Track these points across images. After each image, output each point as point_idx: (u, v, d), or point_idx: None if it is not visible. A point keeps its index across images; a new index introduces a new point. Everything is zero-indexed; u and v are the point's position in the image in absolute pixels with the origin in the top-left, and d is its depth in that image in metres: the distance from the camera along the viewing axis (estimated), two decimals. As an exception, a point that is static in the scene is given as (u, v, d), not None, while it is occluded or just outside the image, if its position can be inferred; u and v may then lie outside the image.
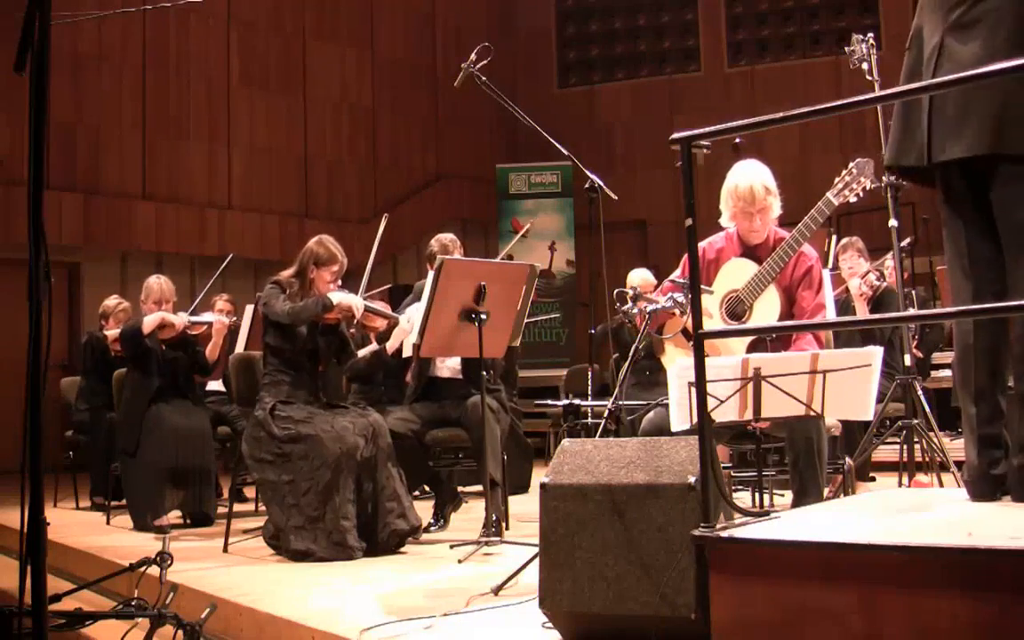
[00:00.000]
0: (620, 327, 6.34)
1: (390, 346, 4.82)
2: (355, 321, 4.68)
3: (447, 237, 5.41)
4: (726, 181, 3.90)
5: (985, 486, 2.67)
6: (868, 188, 3.90)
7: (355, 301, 4.67)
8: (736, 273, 3.87)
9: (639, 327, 3.95)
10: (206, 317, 6.14)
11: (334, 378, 6.31)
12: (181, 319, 5.89)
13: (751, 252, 3.90)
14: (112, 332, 6.74)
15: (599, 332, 5.82)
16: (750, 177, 3.84)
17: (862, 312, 6.14)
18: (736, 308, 3.85)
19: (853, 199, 3.90)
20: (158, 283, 6.10)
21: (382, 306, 5.13)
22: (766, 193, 3.82)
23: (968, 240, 2.73)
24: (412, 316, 4.88)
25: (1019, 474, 2.59)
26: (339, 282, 4.76)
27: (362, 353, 5.21)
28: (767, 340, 3.78)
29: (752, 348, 3.72)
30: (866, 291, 6.20)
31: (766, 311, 3.80)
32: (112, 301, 7.11)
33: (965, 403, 2.73)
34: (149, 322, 5.85)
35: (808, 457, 3.50)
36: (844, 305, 6.18)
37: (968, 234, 2.74)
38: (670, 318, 3.95)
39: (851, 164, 3.90)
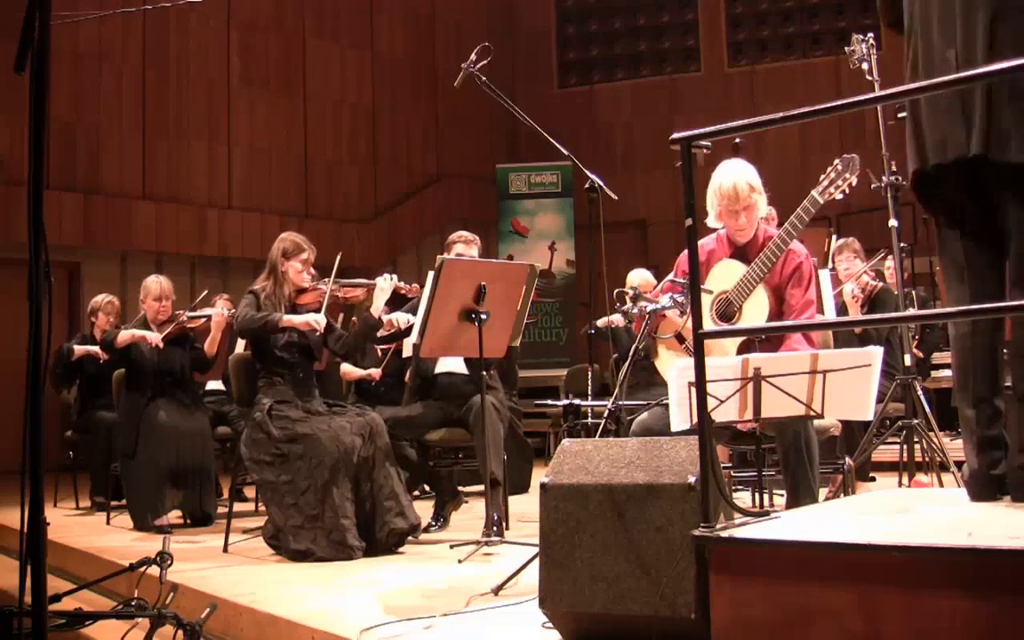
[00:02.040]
0: (617, 329, 6.34)
1: (374, 309, 4.84)
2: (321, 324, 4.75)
3: (469, 234, 5.45)
4: (711, 181, 3.91)
5: (985, 487, 2.67)
6: (854, 185, 3.89)
7: (313, 319, 4.70)
8: (725, 275, 3.87)
9: (637, 331, 3.94)
10: (205, 311, 6.15)
11: (332, 378, 6.32)
12: (156, 336, 5.88)
13: (741, 252, 3.90)
14: (82, 348, 6.76)
15: (597, 333, 5.82)
16: (733, 175, 3.84)
17: (856, 316, 6.13)
18: (726, 310, 3.85)
19: (839, 196, 3.88)
20: (157, 282, 6.12)
21: (358, 280, 5.18)
22: (750, 191, 3.82)
23: (965, 246, 2.73)
24: (389, 278, 4.94)
25: (1019, 475, 2.59)
26: (312, 271, 4.90)
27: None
28: (756, 341, 3.77)
29: (743, 348, 3.72)
30: (859, 294, 6.20)
31: (755, 312, 3.80)
32: (100, 298, 7.13)
33: (963, 406, 2.73)
34: (123, 338, 5.91)
35: (797, 453, 3.50)
36: (843, 307, 6.18)
37: (965, 239, 2.73)
38: (662, 320, 3.95)
39: (836, 161, 3.89)
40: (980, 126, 2.56)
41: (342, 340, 4.92)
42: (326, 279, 4.89)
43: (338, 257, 4.90)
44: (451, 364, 5.19)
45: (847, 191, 3.87)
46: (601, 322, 6.32)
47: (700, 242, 3.97)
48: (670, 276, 3.97)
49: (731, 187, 3.81)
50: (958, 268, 2.76)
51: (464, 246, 5.29)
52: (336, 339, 4.92)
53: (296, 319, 4.70)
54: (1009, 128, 2.53)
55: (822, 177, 3.89)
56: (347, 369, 6.20)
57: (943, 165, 2.67)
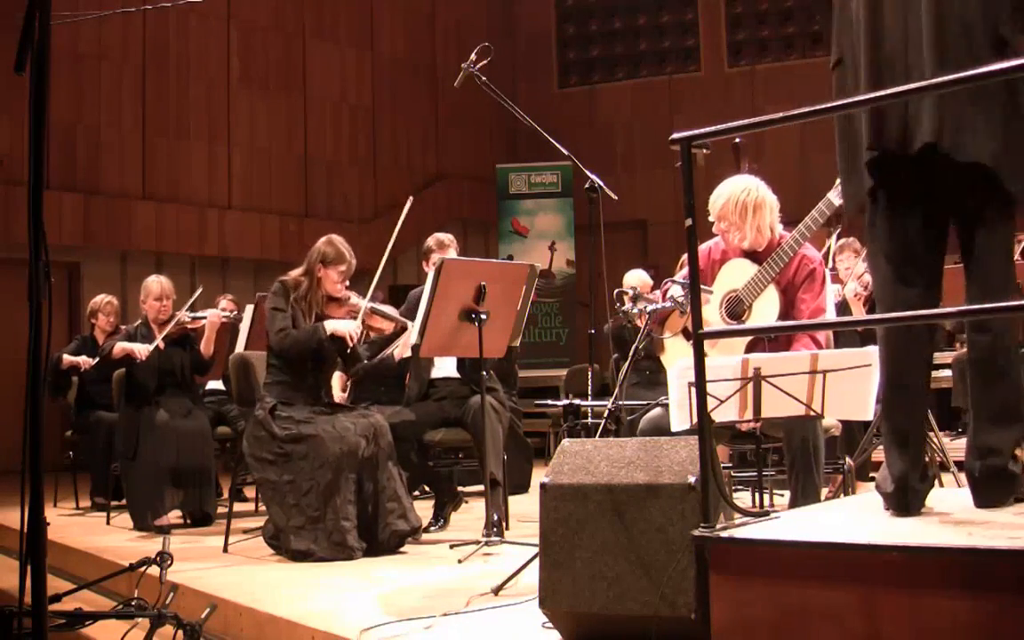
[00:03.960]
0: (621, 328, 6.33)
1: (398, 354, 4.82)
2: (358, 335, 4.67)
3: (444, 235, 5.46)
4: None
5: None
6: None
7: (349, 328, 4.62)
8: (736, 273, 3.87)
9: (638, 327, 3.96)
10: (205, 313, 6.16)
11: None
12: (146, 348, 5.87)
13: (753, 253, 3.91)
14: (71, 359, 6.76)
15: (605, 333, 5.81)
16: (722, 188, 3.89)
17: (859, 314, 6.13)
18: (735, 308, 3.85)
19: None
20: (157, 282, 6.13)
21: (390, 310, 5.04)
22: (718, 216, 3.87)
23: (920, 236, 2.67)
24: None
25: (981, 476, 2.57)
26: (347, 283, 4.75)
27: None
28: (765, 340, 3.78)
29: (750, 348, 3.73)
30: (861, 292, 6.19)
31: (765, 311, 3.80)
32: (100, 298, 7.13)
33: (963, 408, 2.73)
34: (117, 350, 5.92)
35: (804, 457, 3.50)
36: (843, 306, 6.17)
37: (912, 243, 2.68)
38: (669, 315, 3.96)
39: None
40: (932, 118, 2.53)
41: (357, 366, 4.90)
42: (359, 296, 4.79)
43: (407, 206, 4.79)
44: (446, 369, 5.19)
45: None
46: (607, 327, 6.33)
47: (716, 240, 4.00)
48: (678, 276, 3.98)
49: (712, 200, 3.90)
50: (897, 263, 2.68)
51: (439, 253, 5.27)
52: (352, 362, 4.88)
53: (340, 326, 4.59)
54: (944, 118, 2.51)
55: (838, 180, 3.88)
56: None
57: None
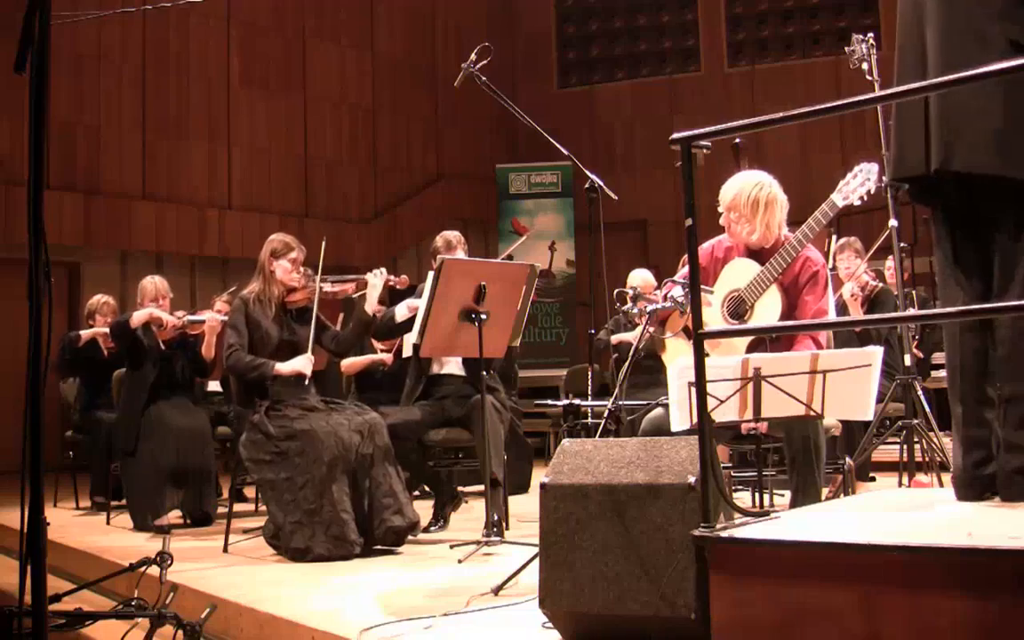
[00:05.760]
0: (597, 340, 6.34)
1: (368, 306, 4.88)
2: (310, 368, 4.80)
3: (452, 234, 5.39)
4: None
5: (969, 487, 2.68)
6: (872, 191, 3.89)
7: (300, 365, 4.73)
8: (739, 273, 3.87)
9: (613, 345, 3.96)
10: (203, 316, 6.16)
11: (332, 377, 6.32)
12: (172, 318, 5.88)
13: (756, 253, 3.90)
14: (89, 332, 6.74)
15: (600, 341, 5.81)
16: (731, 182, 3.89)
17: (857, 315, 6.13)
18: (738, 308, 3.85)
19: (857, 202, 3.89)
20: (152, 283, 6.13)
21: (342, 279, 5.14)
22: (727, 207, 3.87)
23: (958, 254, 2.74)
24: (379, 273, 4.97)
25: (1006, 474, 2.59)
26: (301, 270, 4.91)
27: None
28: (767, 340, 3.78)
29: (752, 348, 3.73)
30: (858, 293, 6.20)
31: (767, 311, 3.80)
32: (97, 299, 7.10)
33: (953, 404, 2.75)
34: (138, 316, 5.89)
35: (806, 456, 3.50)
36: (841, 308, 6.18)
37: (959, 247, 2.74)
38: (670, 315, 3.96)
39: (856, 167, 3.89)
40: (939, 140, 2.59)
41: (337, 338, 4.97)
42: (315, 277, 4.89)
43: (322, 248, 4.83)
44: (449, 366, 5.18)
45: (865, 198, 3.87)
46: (615, 339, 6.33)
47: (719, 238, 4.00)
48: (675, 276, 3.98)
49: (722, 194, 3.88)
50: (950, 265, 2.76)
51: (447, 253, 5.25)
52: (331, 338, 4.96)
53: (285, 368, 4.71)
54: (953, 139, 2.56)
55: (841, 182, 3.88)
56: (349, 362, 6.18)
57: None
